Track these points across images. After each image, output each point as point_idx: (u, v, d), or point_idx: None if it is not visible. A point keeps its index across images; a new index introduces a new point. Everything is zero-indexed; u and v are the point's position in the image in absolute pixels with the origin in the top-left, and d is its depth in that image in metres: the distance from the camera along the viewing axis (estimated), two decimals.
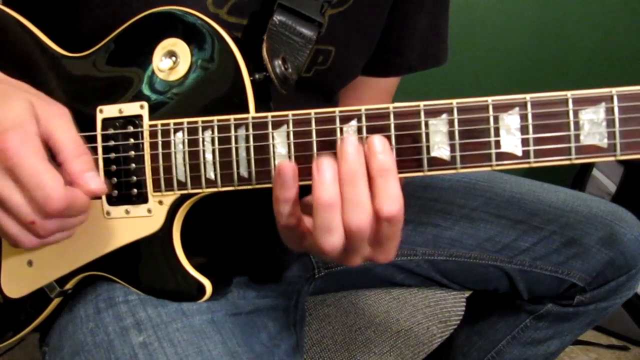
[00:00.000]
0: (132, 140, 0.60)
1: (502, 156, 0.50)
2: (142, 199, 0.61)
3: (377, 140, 0.50)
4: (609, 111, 0.48)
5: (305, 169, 0.54)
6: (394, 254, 0.54)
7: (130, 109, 0.61)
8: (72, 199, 0.52)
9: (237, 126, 0.56)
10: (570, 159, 0.49)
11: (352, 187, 0.49)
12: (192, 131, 0.58)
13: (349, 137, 0.51)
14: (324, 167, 0.49)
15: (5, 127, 0.50)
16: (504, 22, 2.02)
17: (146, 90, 0.61)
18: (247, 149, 0.56)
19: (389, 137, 0.52)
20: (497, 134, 0.50)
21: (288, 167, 0.50)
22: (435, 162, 0.52)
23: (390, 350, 0.92)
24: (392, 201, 0.49)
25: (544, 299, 0.92)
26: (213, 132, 0.57)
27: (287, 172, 0.50)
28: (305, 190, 0.53)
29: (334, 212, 0.49)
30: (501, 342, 0.98)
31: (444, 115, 0.51)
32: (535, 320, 0.95)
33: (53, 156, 0.53)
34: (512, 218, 0.90)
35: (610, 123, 0.48)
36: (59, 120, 0.54)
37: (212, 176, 0.58)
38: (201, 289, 0.62)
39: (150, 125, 0.60)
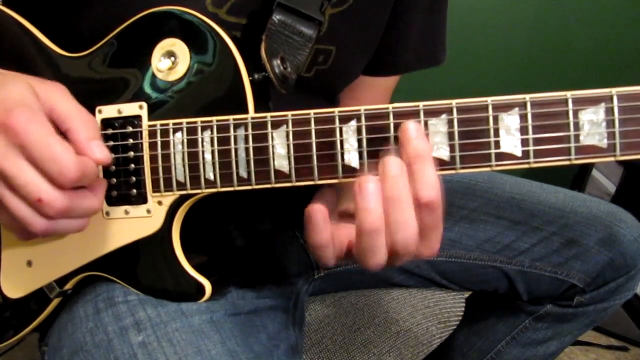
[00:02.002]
0: (131, 141, 0.60)
1: (501, 156, 0.50)
2: (142, 199, 0.61)
3: (412, 125, 0.50)
4: (609, 111, 0.48)
5: (305, 169, 0.54)
6: (438, 247, 0.53)
7: (129, 109, 0.61)
8: (84, 166, 0.51)
9: (236, 126, 0.56)
10: (569, 160, 0.49)
11: (398, 209, 0.49)
12: (191, 131, 0.58)
13: (391, 156, 0.50)
14: (369, 192, 0.49)
15: (9, 106, 0.50)
16: (503, 22, 2.02)
17: (145, 91, 0.61)
18: (247, 149, 0.56)
19: (388, 138, 0.52)
20: (496, 134, 0.50)
21: (317, 211, 0.51)
22: (435, 163, 0.52)
23: (389, 351, 0.92)
24: (430, 187, 0.49)
25: (544, 299, 0.92)
26: (212, 132, 0.57)
27: (317, 215, 0.51)
28: (307, 190, 0.52)
29: (379, 236, 0.50)
30: (500, 343, 0.98)
31: (444, 116, 0.51)
32: (534, 321, 0.95)
33: (58, 129, 0.53)
34: (512, 219, 0.90)
35: (609, 123, 0.48)
36: (58, 93, 0.54)
37: (212, 176, 0.58)
38: (200, 289, 0.62)
39: (149, 126, 0.60)
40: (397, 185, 0.49)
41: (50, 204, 0.51)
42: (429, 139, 0.51)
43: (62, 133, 0.53)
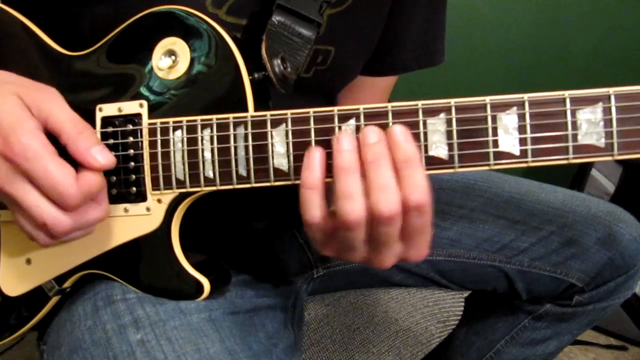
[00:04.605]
0: (131, 139, 0.61)
1: (500, 155, 0.51)
2: (141, 197, 0.61)
3: (399, 129, 0.50)
4: (607, 111, 0.48)
5: None
6: (427, 251, 0.53)
7: (130, 107, 0.61)
8: (87, 188, 0.53)
9: (236, 125, 0.56)
10: (567, 159, 0.49)
11: (377, 170, 0.49)
12: (191, 129, 0.58)
13: (370, 126, 0.51)
14: (343, 137, 0.50)
15: (5, 132, 0.50)
16: (502, 21, 2.02)
17: (145, 89, 0.61)
18: (246, 147, 0.56)
19: None
20: (495, 133, 0.50)
21: (316, 151, 0.51)
22: (434, 162, 0.52)
23: (388, 350, 0.92)
24: (419, 189, 0.49)
25: (543, 299, 0.92)
26: (212, 131, 0.57)
27: (314, 155, 0.51)
28: None
29: (353, 177, 0.49)
30: (500, 342, 0.98)
31: (442, 115, 0.51)
32: (533, 321, 0.95)
33: (55, 139, 0.54)
34: (511, 218, 0.90)
35: (607, 123, 0.48)
36: (51, 103, 0.54)
37: (211, 175, 0.58)
38: (199, 287, 0.62)
39: (150, 124, 0.60)
40: (375, 150, 0.49)
41: (54, 227, 0.53)
42: (427, 138, 0.52)
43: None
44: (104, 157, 0.54)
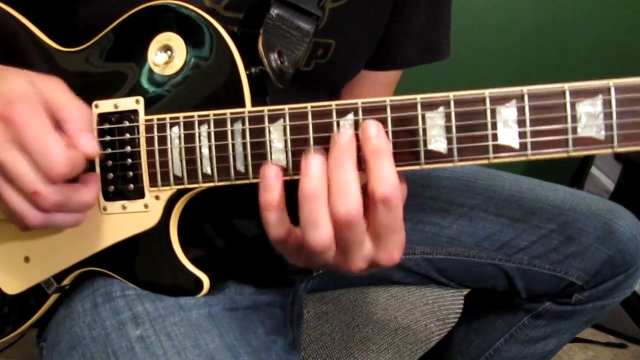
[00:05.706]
0: (128, 135, 0.60)
1: (499, 149, 0.50)
2: (139, 194, 0.61)
3: (372, 124, 0.50)
4: (606, 103, 0.48)
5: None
6: (399, 254, 0.51)
7: (126, 103, 0.61)
8: (75, 161, 0.52)
9: (233, 120, 0.56)
10: (567, 152, 0.49)
11: (339, 172, 0.48)
12: (188, 126, 0.58)
13: (344, 128, 0.51)
14: (311, 160, 0.49)
15: (11, 98, 0.51)
16: (501, 16, 2.02)
17: (141, 85, 0.61)
18: (244, 143, 0.56)
19: (385, 131, 0.52)
20: (494, 126, 0.50)
21: (269, 169, 0.50)
22: (432, 155, 0.52)
23: (388, 348, 0.92)
24: (387, 182, 0.48)
25: (542, 297, 0.92)
26: (209, 127, 0.57)
27: (268, 173, 0.50)
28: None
29: (318, 203, 0.48)
30: (499, 340, 0.98)
31: (441, 108, 0.51)
32: (533, 319, 0.95)
33: (58, 124, 0.54)
34: (511, 216, 0.90)
35: (607, 115, 0.48)
36: (55, 86, 0.55)
37: (209, 171, 0.58)
38: (198, 284, 0.62)
39: (146, 120, 0.60)
40: (344, 151, 0.49)
41: (45, 197, 0.52)
42: (426, 132, 0.51)
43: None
44: (87, 144, 0.54)
